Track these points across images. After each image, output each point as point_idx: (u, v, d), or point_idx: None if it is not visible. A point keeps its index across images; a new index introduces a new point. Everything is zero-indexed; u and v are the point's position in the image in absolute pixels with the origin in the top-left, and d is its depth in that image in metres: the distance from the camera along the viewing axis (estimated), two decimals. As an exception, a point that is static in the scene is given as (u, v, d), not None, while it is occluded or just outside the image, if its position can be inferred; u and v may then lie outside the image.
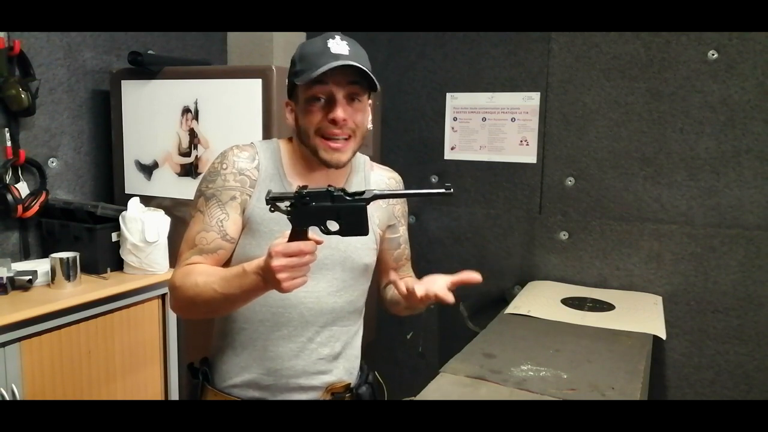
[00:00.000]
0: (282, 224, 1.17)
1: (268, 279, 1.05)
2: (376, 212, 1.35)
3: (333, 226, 1.05)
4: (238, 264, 1.22)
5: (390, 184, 1.40)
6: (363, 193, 1.05)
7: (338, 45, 1.19)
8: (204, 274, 1.18)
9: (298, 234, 1.04)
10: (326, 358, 1.30)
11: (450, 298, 1.15)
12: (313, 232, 1.05)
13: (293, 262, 1.02)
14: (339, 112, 1.18)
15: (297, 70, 1.20)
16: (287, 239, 1.04)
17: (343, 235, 1.06)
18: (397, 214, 1.42)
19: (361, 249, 1.31)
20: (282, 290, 1.04)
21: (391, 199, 1.39)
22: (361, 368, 1.41)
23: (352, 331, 1.36)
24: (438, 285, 1.17)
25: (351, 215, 1.05)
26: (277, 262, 1.01)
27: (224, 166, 1.24)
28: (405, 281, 1.21)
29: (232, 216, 1.23)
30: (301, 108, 1.22)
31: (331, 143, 1.20)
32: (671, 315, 2.45)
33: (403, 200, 1.44)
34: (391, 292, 1.42)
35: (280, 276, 1.02)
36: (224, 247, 1.23)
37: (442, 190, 1.05)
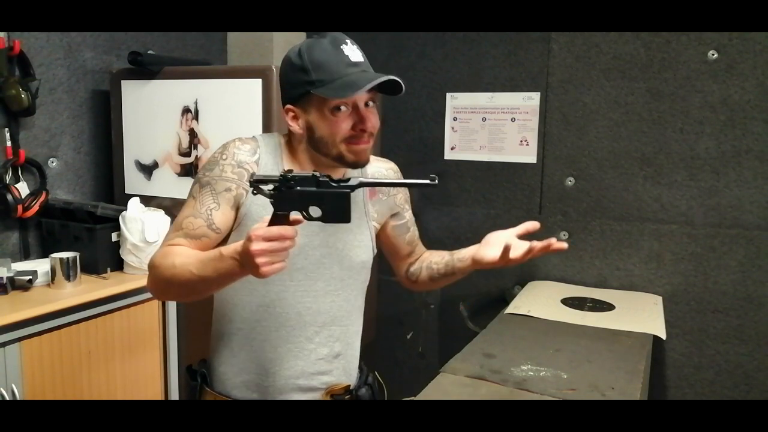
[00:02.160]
0: None
1: (245, 263, 1.02)
2: (373, 207, 1.36)
3: (315, 212, 1.04)
4: None
5: (388, 174, 1.41)
6: (348, 180, 1.05)
7: (352, 51, 1.19)
8: (182, 256, 1.16)
9: (279, 218, 1.02)
10: (325, 358, 1.30)
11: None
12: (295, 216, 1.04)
13: (273, 246, 1.00)
14: (369, 122, 1.19)
15: (314, 80, 1.16)
16: (267, 224, 1.02)
17: (324, 221, 1.05)
18: (399, 202, 1.43)
19: (358, 246, 1.31)
20: (259, 275, 1.01)
21: (392, 190, 1.40)
22: (360, 369, 1.41)
23: (351, 330, 1.35)
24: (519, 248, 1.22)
25: (334, 201, 1.03)
26: (256, 246, 0.99)
27: (224, 156, 1.23)
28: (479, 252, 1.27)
29: (223, 207, 1.21)
30: (318, 117, 1.19)
31: (357, 145, 1.20)
32: (671, 315, 2.45)
33: (404, 188, 1.45)
34: (427, 271, 1.45)
35: (259, 260, 0.99)
36: (209, 236, 1.21)
37: (427, 181, 1.05)
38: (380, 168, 1.41)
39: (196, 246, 1.21)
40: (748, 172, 2.36)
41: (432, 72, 2.86)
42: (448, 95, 2.84)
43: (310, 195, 1.03)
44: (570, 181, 2.64)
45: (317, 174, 1.04)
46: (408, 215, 1.47)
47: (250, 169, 1.22)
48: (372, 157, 1.39)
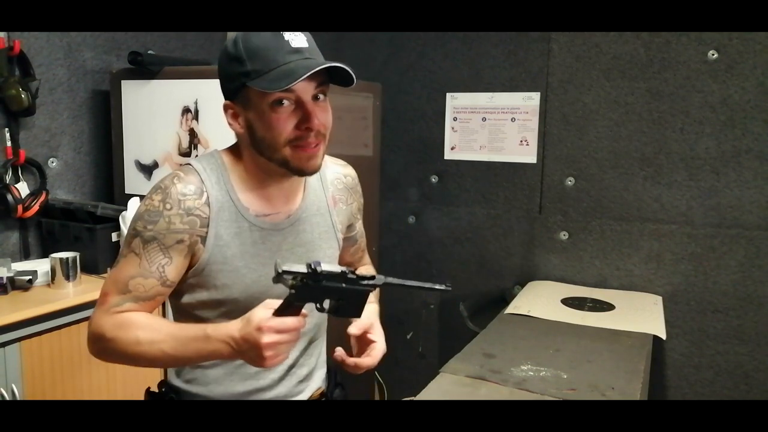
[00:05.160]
0: (246, 259, 1.10)
1: (247, 351, 0.96)
2: (338, 218, 1.27)
3: (327, 304, 1.02)
4: (188, 306, 1.13)
5: (347, 182, 1.30)
6: (374, 278, 1.02)
7: (295, 36, 1.04)
8: (148, 329, 1.04)
9: (293, 309, 0.97)
10: (304, 378, 1.26)
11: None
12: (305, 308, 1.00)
13: (285, 339, 0.95)
14: (315, 120, 1.04)
15: (249, 70, 1.02)
16: (275, 310, 0.96)
17: (336, 316, 1.03)
18: (354, 211, 1.32)
19: (330, 260, 1.23)
20: (262, 366, 0.96)
21: (349, 199, 1.30)
22: (328, 370, 1.35)
23: (321, 342, 1.31)
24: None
25: (353, 297, 1.02)
26: (268, 339, 0.93)
27: (168, 206, 1.06)
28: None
29: (176, 260, 1.08)
30: (258, 115, 1.05)
31: (305, 150, 1.06)
32: (671, 315, 2.45)
33: (359, 195, 1.33)
34: None
35: (268, 353, 0.94)
36: (163, 293, 1.10)
37: (443, 287, 1.05)
38: (338, 173, 1.29)
39: (149, 306, 1.10)
40: (748, 172, 2.36)
41: (432, 72, 2.86)
42: (448, 95, 2.84)
43: (334, 290, 1.00)
44: (570, 181, 2.64)
45: (346, 271, 1.00)
46: (359, 226, 1.35)
47: (202, 214, 1.08)
48: (328, 158, 1.24)
